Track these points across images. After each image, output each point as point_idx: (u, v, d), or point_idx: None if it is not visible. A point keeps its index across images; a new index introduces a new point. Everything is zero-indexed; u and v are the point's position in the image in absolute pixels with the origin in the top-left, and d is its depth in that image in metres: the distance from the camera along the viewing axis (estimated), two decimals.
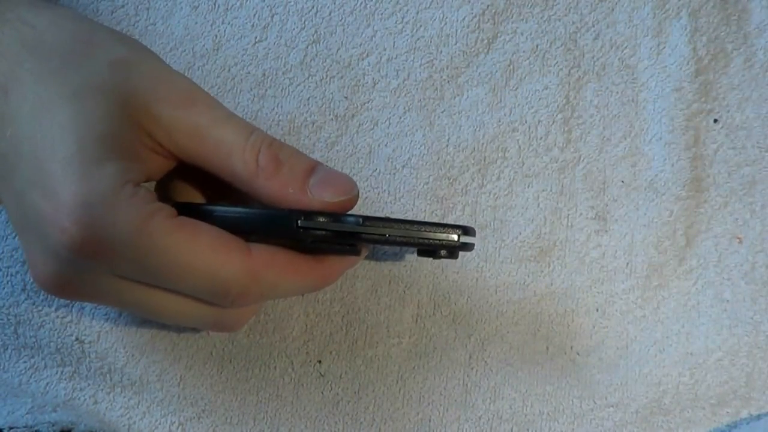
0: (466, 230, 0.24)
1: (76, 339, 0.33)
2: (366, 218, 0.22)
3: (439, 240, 0.23)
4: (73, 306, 0.33)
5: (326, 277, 0.26)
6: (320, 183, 0.24)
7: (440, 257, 0.24)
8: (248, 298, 0.24)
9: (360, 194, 0.27)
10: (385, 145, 0.35)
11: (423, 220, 0.32)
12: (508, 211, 0.35)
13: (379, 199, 0.34)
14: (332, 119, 0.35)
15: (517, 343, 0.35)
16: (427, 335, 0.34)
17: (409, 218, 0.28)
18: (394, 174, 0.35)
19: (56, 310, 0.32)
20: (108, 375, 0.32)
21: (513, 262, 0.35)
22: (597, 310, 0.35)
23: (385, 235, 0.23)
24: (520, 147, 0.36)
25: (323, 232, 0.22)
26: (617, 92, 0.37)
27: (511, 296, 0.35)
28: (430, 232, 0.23)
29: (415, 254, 0.30)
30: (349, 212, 0.24)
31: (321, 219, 0.22)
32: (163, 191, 0.28)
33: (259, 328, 0.34)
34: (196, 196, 0.28)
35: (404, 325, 0.34)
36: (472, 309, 0.34)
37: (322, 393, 0.33)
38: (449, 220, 0.34)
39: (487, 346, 0.34)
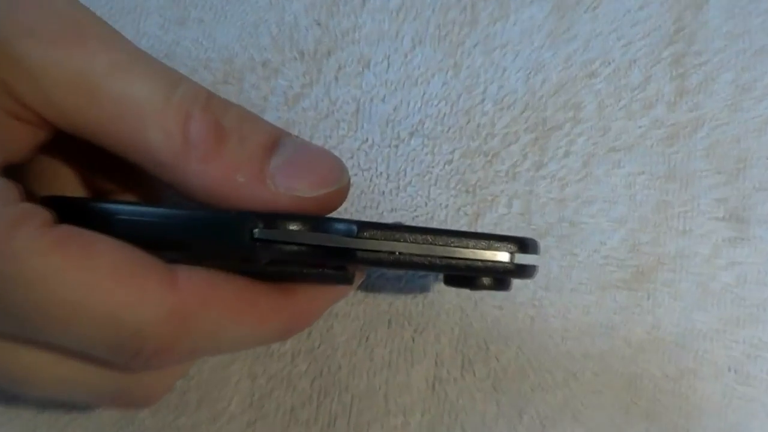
0: (524, 244, 0.20)
1: None
2: (364, 225, 0.19)
3: (482, 261, 0.20)
4: None
5: (297, 319, 0.23)
6: (288, 166, 0.21)
7: (482, 288, 0.21)
8: (171, 355, 0.21)
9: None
10: (382, 100, 0.30)
11: (452, 228, 0.25)
12: (583, 206, 0.29)
13: (372, 187, 0.29)
14: (295, 58, 0.29)
15: (601, 423, 0.29)
16: (452, 410, 0.28)
17: (429, 225, 0.26)
18: (397, 147, 0.29)
19: None
20: None
21: (591, 291, 0.29)
22: (732, 369, 0.28)
23: (394, 252, 0.19)
24: (602, 103, 0.30)
25: (295, 248, 0.20)
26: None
27: (588, 347, 0.29)
28: (465, 247, 0.20)
29: (440, 281, 0.27)
30: (334, 215, 0.21)
31: (292, 226, 0.19)
32: (34, 182, 0.25)
33: (174, 401, 0.28)
34: (85, 190, 0.25)
35: (414, 395, 0.28)
36: (525, 368, 0.28)
37: None
38: (485, 224, 0.28)
39: (551, 429, 0.28)
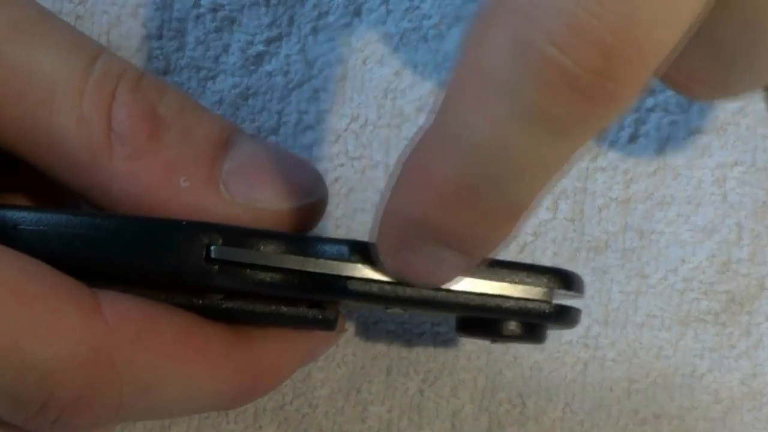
0: (567, 280, 0.18)
1: None
2: (357, 246, 0.18)
3: (509, 299, 0.18)
4: None
5: (259, 376, 0.20)
6: (246, 170, 0.20)
7: (506, 337, 0.19)
8: (92, 410, 0.18)
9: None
10: (379, 62, 0.26)
11: None
12: (656, 210, 0.25)
13: (364, 183, 0.25)
14: (257, 2, 0.25)
15: None
16: None
17: None
18: (399, 127, 0.26)
19: None
20: None
21: (667, 327, 0.25)
22: None
23: (396, 283, 0.18)
24: None
25: (265, 275, 0.18)
26: None
27: (663, 403, 0.25)
28: (488, 279, 0.18)
29: (452, 327, 0.23)
30: (311, 233, 0.20)
31: (261, 245, 0.18)
32: None
33: None
34: None
35: None
36: None
37: None
38: (520, 233, 0.25)
39: None
